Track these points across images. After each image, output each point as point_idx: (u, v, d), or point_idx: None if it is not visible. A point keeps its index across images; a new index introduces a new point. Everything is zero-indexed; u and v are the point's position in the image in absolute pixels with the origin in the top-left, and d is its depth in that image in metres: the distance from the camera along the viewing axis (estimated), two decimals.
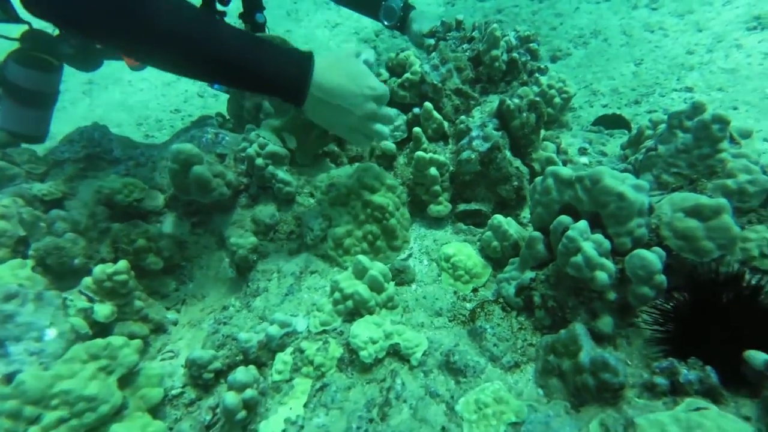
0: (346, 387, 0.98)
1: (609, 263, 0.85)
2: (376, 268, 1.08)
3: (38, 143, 1.67)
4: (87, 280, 1.14)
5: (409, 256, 1.27)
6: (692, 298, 0.86)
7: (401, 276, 1.18)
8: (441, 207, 1.28)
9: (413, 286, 1.19)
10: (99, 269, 1.13)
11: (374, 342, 1.00)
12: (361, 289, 1.05)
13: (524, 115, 1.18)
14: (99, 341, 0.92)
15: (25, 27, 1.55)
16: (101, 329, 1.13)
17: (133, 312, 1.21)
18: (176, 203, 1.48)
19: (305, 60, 0.96)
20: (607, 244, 0.86)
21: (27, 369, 0.85)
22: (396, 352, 1.01)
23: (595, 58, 2.95)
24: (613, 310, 0.89)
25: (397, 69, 1.42)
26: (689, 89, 2.38)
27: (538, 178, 0.98)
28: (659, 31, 2.86)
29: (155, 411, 1.02)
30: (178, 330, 1.34)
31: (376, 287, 1.07)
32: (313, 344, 1.04)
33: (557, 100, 1.48)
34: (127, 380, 0.96)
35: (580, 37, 3.14)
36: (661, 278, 0.84)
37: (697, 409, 0.68)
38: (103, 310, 1.12)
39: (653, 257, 0.83)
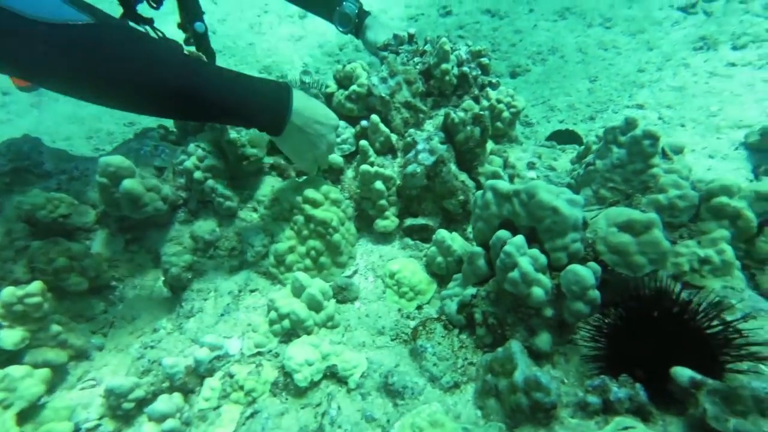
0: (279, 413, 0.92)
1: (545, 279, 0.84)
2: (315, 286, 1.03)
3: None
4: None
5: (355, 272, 1.22)
6: (625, 314, 0.86)
7: (344, 293, 1.13)
8: (387, 222, 1.25)
9: (356, 303, 1.14)
10: (8, 291, 1.03)
11: (310, 364, 0.95)
12: (299, 308, 1.00)
13: (468, 128, 1.17)
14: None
15: None
16: (9, 357, 1.02)
17: (49, 337, 1.10)
18: (108, 219, 1.38)
19: (285, 90, 0.99)
20: (543, 259, 0.85)
21: None
22: (333, 375, 0.96)
23: (553, 74, 3.05)
24: (551, 327, 0.88)
25: (344, 81, 1.39)
26: (640, 106, 2.48)
27: (479, 192, 0.97)
28: (613, 49, 2.99)
29: None
30: (103, 355, 1.23)
31: (314, 306, 1.03)
32: (244, 368, 0.97)
33: (506, 114, 1.49)
34: (29, 414, 0.87)
35: (538, 54, 3.24)
36: (595, 294, 0.83)
37: (625, 428, 0.66)
38: (11, 337, 1.02)
39: (586, 272, 0.82)
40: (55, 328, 1.10)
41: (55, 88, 0.86)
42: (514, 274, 0.84)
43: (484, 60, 1.65)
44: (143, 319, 1.29)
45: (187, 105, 0.90)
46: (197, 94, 0.88)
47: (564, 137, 2.08)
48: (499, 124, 1.52)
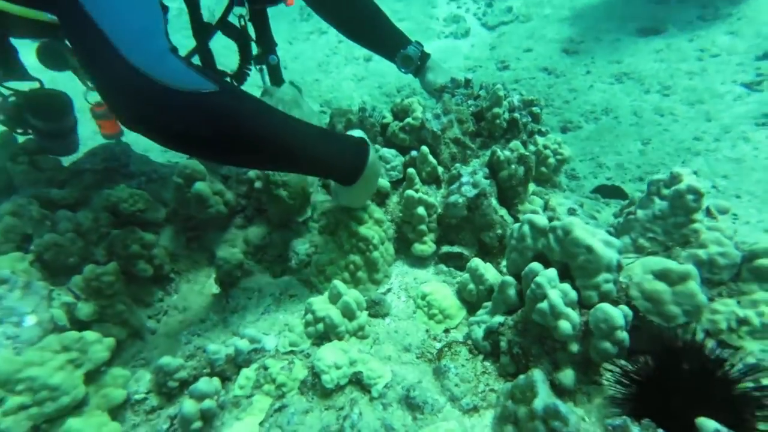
0: (304, 410, 0.98)
1: (573, 313, 0.86)
2: (351, 295, 1.10)
3: (72, 153, 1.73)
4: (76, 278, 1.18)
5: (388, 290, 1.29)
6: (655, 362, 0.86)
7: (376, 308, 1.19)
8: (425, 247, 1.32)
9: (387, 319, 1.20)
10: (89, 268, 1.18)
11: (338, 367, 1.01)
12: (333, 313, 1.07)
13: (513, 167, 1.24)
14: (73, 333, 0.95)
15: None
16: (81, 327, 1.16)
17: (115, 314, 1.24)
18: (176, 218, 1.55)
19: (364, 149, 1.11)
20: (573, 294, 0.87)
21: (1, 351, 0.88)
22: (358, 381, 1.01)
23: (605, 133, 3.06)
24: (575, 363, 0.89)
25: (400, 113, 1.51)
26: (694, 173, 2.43)
27: (516, 225, 1.01)
28: (669, 115, 2.96)
29: (115, 412, 1.03)
30: (155, 339, 1.36)
31: (348, 314, 1.10)
32: (278, 363, 1.05)
33: (551, 160, 1.54)
34: (94, 377, 0.98)
35: (591, 113, 3.27)
36: (623, 335, 0.84)
37: None
38: (85, 309, 1.16)
39: (616, 313, 0.84)
40: (121, 307, 1.24)
41: (181, 149, 0.97)
42: (543, 305, 0.87)
43: (536, 109, 1.72)
44: (193, 310, 1.41)
45: (284, 160, 1.02)
46: (295, 151, 0.99)
47: (609, 192, 2.07)
48: (543, 169, 1.56)
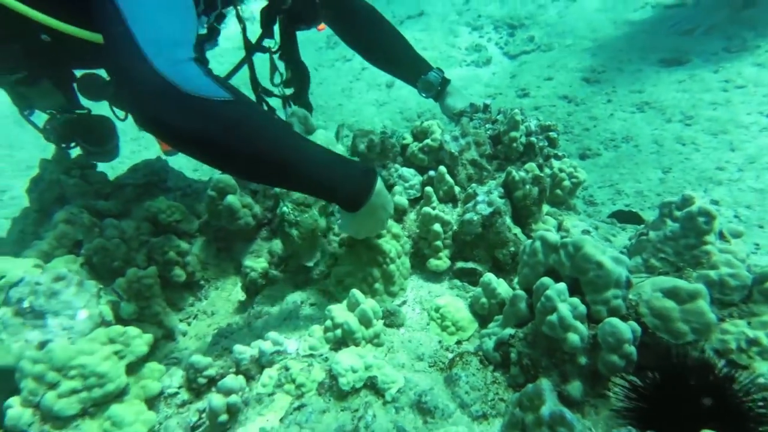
0: (321, 410, 1.03)
1: (582, 326, 0.90)
2: (368, 304, 1.17)
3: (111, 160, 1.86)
4: (120, 280, 1.29)
5: (404, 303, 1.35)
6: (662, 378, 0.88)
7: (391, 318, 1.25)
8: (440, 262, 1.38)
9: (401, 329, 1.26)
10: (131, 272, 1.29)
11: (354, 371, 1.07)
12: (351, 320, 1.14)
13: (527, 187, 1.30)
14: (118, 327, 1.05)
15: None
16: (123, 326, 1.26)
17: (152, 315, 1.34)
18: (208, 229, 1.66)
19: (371, 176, 1.09)
20: (582, 308, 0.91)
21: (57, 340, 0.98)
22: (373, 385, 1.06)
23: (624, 160, 3.07)
24: (583, 376, 0.93)
25: (419, 135, 1.60)
26: (715, 202, 2.42)
27: (528, 241, 1.07)
28: (691, 145, 2.96)
29: (150, 403, 1.11)
30: (186, 341, 1.45)
31: (365, 321, 1.16)
32: (298, 364, 1.11)
33: (566, 183, 1.59)
34: (134, 368, 1.07)
35: (611, 140, 3.30)
36: (631, 349, 0.88)
37: None
38: (128, 308, 1.26)
39: (624, 327, 0.88)
40: (157, 308, 1.34)
41: (186, 150, 0.97)
42: (552, 317, 0.92)
43: (552, 134, 1.79)
44: (220, 315, 1.50)
45: (287, 175, 1.01)
46: (302, 170, 1.00)
47: (626, 217, 2.08)
48: (558, 191, 1.61)
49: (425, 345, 1.19)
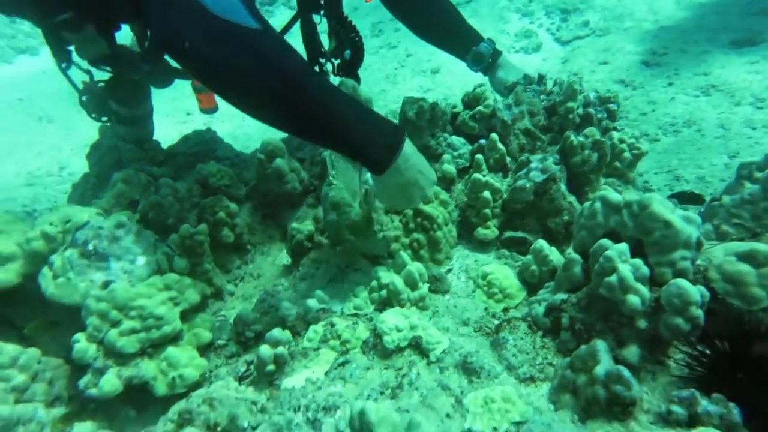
0: (366, 367, 1.03)
1: (643, 288, 0.85)
2: (415, 266, 1.15)
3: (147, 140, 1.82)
4: (173, 236, 1.35)
5: (449, 271, 1.32)
6: (732, 345, 0.81)
7: (437, 284, 1.23)
8: (488, 231, 1.34)
9: (446, 296, 1.23)
10: (184, 228, 1.33)
11: (399, 330, 1.06)
12: (397, 281, 1.13)
13: (586, 152, 1.23)
14: (173, 275, 1.10)
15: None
16: None
17: (202, 272, 1.38)
18: (255, 194, 1.70)
19: (399, 132, 0.99)
20: (645, 269, 0.86)
21: (118, 282, 1.04)
22: (417, 345, 1.05)
23: (685, 146, 2.88)
24: (642, 341, 0.87)
25: (471, 102, 1.55)
26: None
27: (587, 203, 1.01)
28: (762, 128, 2.73)
29: (202, 351, 1.15)
30: (233, 301, 1.49)
31: (410, 283, 1.14)
32: (344, 322, 1.12)
33: (626, 155, 1.50)
34: (187, 317, 1.11)
35: (671, 125, 3.10)
36: (698, 312, 0.81)
37: None
38: (181, 263, 1.31)
39: (692, 287, 0.81)
40: (207, 266, 1.38)
41: (211, 82, 0.95)
42: (611, 278, 0.86)
43: (612, 106, 1.69)
44: (266, 278, 1.53)
45: (316, 124, 0.93)
46: (328, 115, 0.92)
47: (687, 198, 1.94)
48: (617, 164, 1.52)
49: (470, 311, 1.16)
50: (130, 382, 0.99)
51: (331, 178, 1.21)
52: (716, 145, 2.76)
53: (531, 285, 1.19)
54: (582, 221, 1.01)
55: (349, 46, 1.75)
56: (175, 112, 4.09)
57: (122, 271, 1.05)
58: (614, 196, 0.94)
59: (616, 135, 1.53)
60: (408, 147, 1.01)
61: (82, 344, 0.98)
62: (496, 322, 1.12)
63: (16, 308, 1.10)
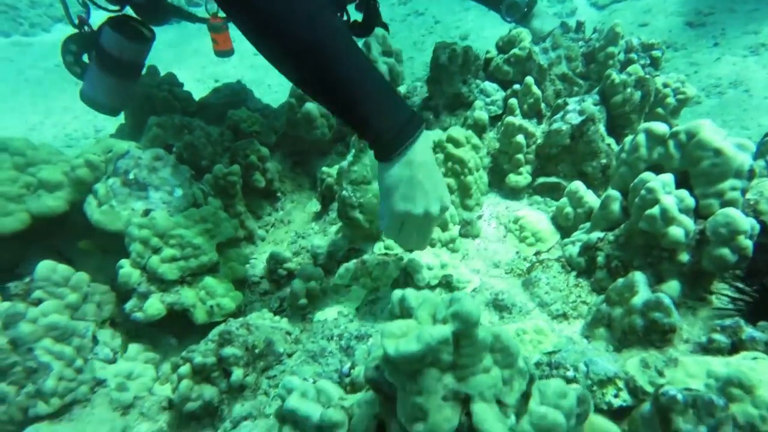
0: None
1: (688, 220, 0.82)
2: None
3: (113, 115, 1.60)
4: (208, 176, 1.37)
5: (479, 217, 1.30)
6: None
7: (467, 228, 1.22)
8: (520, 178, 1.31)
9: (477, 240, 1.22)
10: (217, 167, 1.36)
11: (430, 269, 1.06)
12: None
13: (629, 90, 1.17)
14: (209, 207, 1.12)
15: None
16: None
17: (235, 214, 1.41)
18: (285, 142, 1.71)
19: (417, 120, 0.86)
20: (690, 200, 0.82)
21: (158, 211, 1.07)
22: (448, 284, 1.06)
23: (730, 107, 2.73)
24: (683, 275, 0.85)
25: (506, 47, 1.49)
26: None
27: (628, 138, 0.97)
28: None
29: (237, 286, 1.19)
30: (264, 245, 1.52)
31: (441, 223, 1.14)
32: (374, 260, 1.13)
33: (670, 100, 1.41)
34: (223, 250, 1.14)
35: (715, 87, 2.94)
36: (746, 242, 0.78)
37: (754, 358, 0.63)
38: (215, 203, 1.34)
39: (741, 217, 0.78)
40: (240, 208, 1.41)
41: (236, 17, 0.86)
42: (653, 210, 0.83)
43: (656, 53, 1.60)
44: (297, 223, 1.56)
45: (324, 75, 0.83)
46: (346, 78, 0.83)
47: None
48: (660, 110, 1.45)
49: (501, 254, 1.16)
50: (172, 307, 1.03)
51: (353, 153, 1.16)
52: (765, 105, 2.61)
53: (565, 229, 1.16)
54: (623, 156, 0.98)
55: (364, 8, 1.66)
56: (205, 78, 4.13)
57: (161, 201, 1.08)
58: (660, 126, 0.90)
59: (659, 79, 1.45)
60: (425, 142, 0.87)
61: (127, 269, 1.02)
62: (528, 264, 1.11)
63: (64, 238, 1.15)
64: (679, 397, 0.58)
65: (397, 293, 0.54)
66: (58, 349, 0.86)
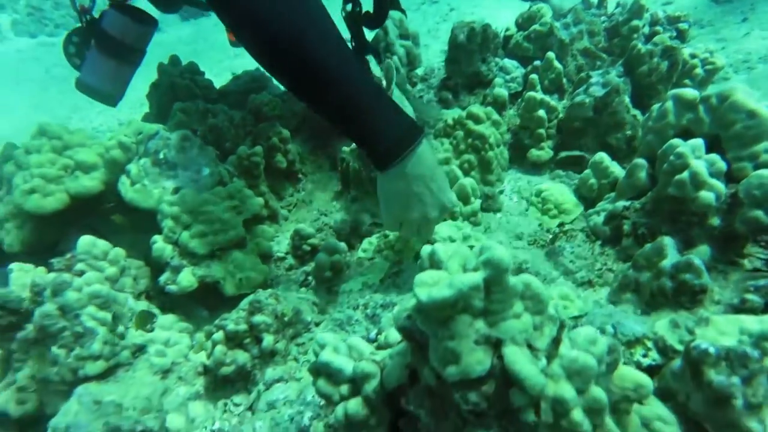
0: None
1: (719, 184, 0.81)
2: (467, 180, 1.15)
3: (111, 105, 1.47)
4: (231, 158, 1.40)
5: (500, 192, 1.31)
6: None
7: (489, 202, 1.23)
8: (542, 152, 1.30)
9: (498, 214, 1.23)
10: (241, 149, 1.39)
11: (452, 240, 1.07)
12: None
13: (655, 60, 1.15)
14: (236, 185, 1.16)
15: None
16: None
17: (259, 194, 1.44)
18: (305, 125, 1.73)
19: (416, 130, 0.85)
20: (721, 164, 0.81)
21: (187, 189, 1.11)
22: None
23: (760, 81, 2.63)
24: (713, 240, 0.84)
25: (525, 23, 1.48)
26: None
27: (655, 105, 0.96)
28: None
29: (263, 261, 1.22)
30: (287, 225, 1.55)
31: (463, 197, 1.15)
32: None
33: (698, 71, 1.38)
34: (249, 226, 1.17)
35: (744, 62, 2.84)
36: None
37: None
38: (239, 183, 1.37)
39: None
40: (263, 188, 1.44)
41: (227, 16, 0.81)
42: (682, 175, 0.83)
43: (683, 25, 1.56)
44: (319, 203, 1.58)
45: (328, 92, 0.81)
46: (340, 84, 0.80)
47: None
48: (687, 81, 1.42)
49: (524, 227, 1.16)
50: (203, 280, 1.07)
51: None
52: None
53: (588, 200, 1.16)
54: (650, 124, 0.96)
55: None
56: (222, 71, 4.19)
57: (190, 179, 1.12)
58: (689, 92, 0.89)
59: (686, 51, 1.41)
60: (425, 151, 0.85)
61: (160, 244, 1.06)
62: (551, 236, 1.11)
63: (99, 217, 1.20)
64: (711, 350, 0.58)
65: (427, 248, 0.55)
66: (101, 315, 0.91)
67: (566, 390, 0.48)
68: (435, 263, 0.53)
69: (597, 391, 0.48)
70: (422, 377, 0.55)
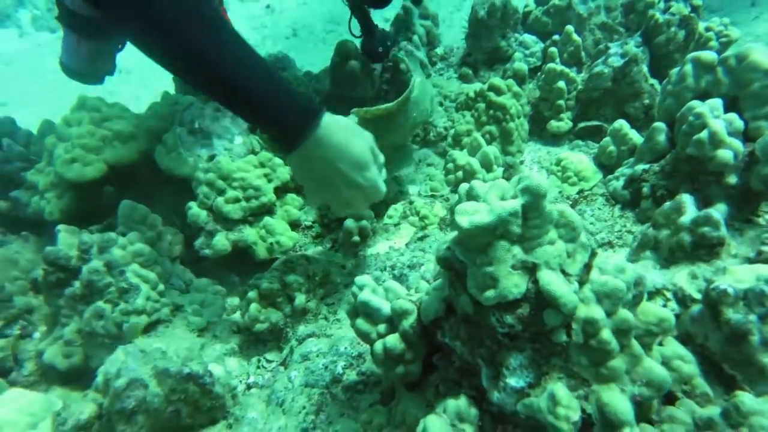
0: (444, 241, 1.11)
1: (737, 142, 0.83)
2: (490, 148, 1.19)
3: (97, 83, 1.29)
4: (258, 134, 1.45)
5: (521, 163, 1.34)
6: None
7: (509, 171, 1.26)
8: (561, 123, 1.33)
9: None
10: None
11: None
12: (473, 161, 1.17)
13: (672, 30, 1.17)
14: (266, 153, 1.20)
15: None
16: None
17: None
18: (328, 102, 1.77)
19: (311, 113, 0.79)
20: (739, 123, 0.84)
21: (221, 156, 1.16)
22: None
23: None
24: (730, 198, 0.87)
25: None
26: None
27: (674, 69, 0.99)
28: None
29: (292, 228, 1.27)
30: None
31: (486, 164, 1.18)
32: (421, 200, 1.19)
33: (713, 43, 1.39)
34: (278, 194, 1.22)
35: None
36: None
37: None
38: (267, 155, 1.43)
39: None
40: None
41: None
42: (701, 135, 0.85)
43: (697, 1, 1.56)
44: None
45: (216, 74, 0.74)
46: (230, 66, 0.73)
47: None
48: None
49: None
50: (236, 244, 1.12)
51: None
52: None
53: (607, 168, 1.19)
54: (669, 88, 0.99)
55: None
56: None
57: (223, 148, 1.17)
58: (708, 54, 0.91)
59: (701, 25, 1.43)
60: (326, 133, 0.79)
61: (195, 210, 1.12)
62: (571, 202, 1.14)
63: (137, 189, 1.26)
64: (730, 290, 0.62)
65: (464, 186, 0.59)
66: (144, 273, 0.97)
67: (596, 311, 0.52)
68: (473, 198, 0.57)
69: (624, 313, 0.53)
70: (458, 307, 0.60)
